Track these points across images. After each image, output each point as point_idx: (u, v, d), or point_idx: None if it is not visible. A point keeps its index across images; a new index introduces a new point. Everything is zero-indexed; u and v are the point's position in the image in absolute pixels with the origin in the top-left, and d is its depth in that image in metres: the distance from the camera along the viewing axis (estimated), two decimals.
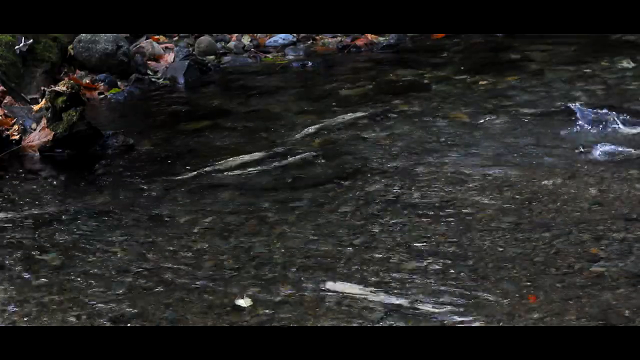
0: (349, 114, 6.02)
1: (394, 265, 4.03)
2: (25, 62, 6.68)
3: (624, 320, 3.54)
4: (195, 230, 4.47)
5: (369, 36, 7.88)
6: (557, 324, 3.54)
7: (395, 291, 3.81)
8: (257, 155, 5.39)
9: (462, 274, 3.93)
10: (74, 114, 5.58)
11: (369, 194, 4.78)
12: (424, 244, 4.21)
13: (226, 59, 7.65)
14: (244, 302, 3.78)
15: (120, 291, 3.92)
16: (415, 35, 7.89)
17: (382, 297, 3.77)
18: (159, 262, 4.16)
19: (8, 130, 5.73)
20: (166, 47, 7.61)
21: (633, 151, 5.13)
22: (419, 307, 3.70)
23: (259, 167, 5.23)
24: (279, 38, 7.93)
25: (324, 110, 6.17)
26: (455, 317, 3.62)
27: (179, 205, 4.77)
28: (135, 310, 3.76)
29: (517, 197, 4.65)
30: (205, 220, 4.56)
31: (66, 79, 6.43)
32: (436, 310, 3.67)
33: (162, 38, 7.83)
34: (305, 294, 3.83)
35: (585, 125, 5.52)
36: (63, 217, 4.68)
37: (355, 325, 3.59)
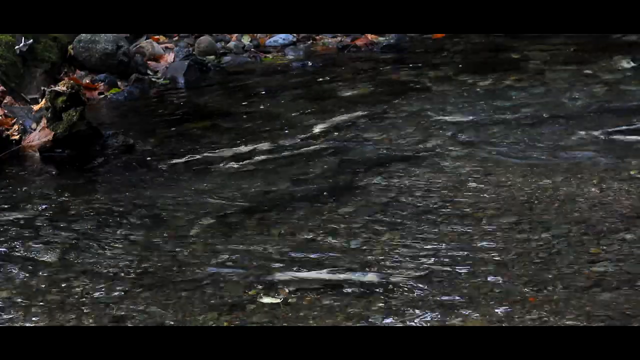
0: (348, 114, 6.02)
1: (393, 265, 4.03)
2: (25, 62, 6.68)
3: (624, 320, 3.54)
4: (196, 230, 4.47)
5: (369, 36, 7.88)
6: (557, 324, 3.54)
7: (394, 291, 3.82)
8: (256, 154, 5.40)
9: (462, 274, 3.93)
10: (74, 114, 5.58)
11: (368, 194, 4.78)
12: (424, 243, 4.21)
13: (226, 59, 7.65)
14: (273, 299, 3.79)
15: (121, 291, 3.92)
16: (415, 35, 7.89)
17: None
18: (160, 261, 4.17)
19: (8, 130, 5.73)
20: (166, 47, 7.61)
21: None
22: (417, 308, 3.71)
23: (258, 167, 5.24)
24: (279, 38, 7.93)
25: (324, 110, 6.17)
26: (456, 317, 3.62)
27: (180, 204, 4.77)
28: (136, 310, 3.76)
29: (517, 197, 4.65)
30: (206, 220, 4.57)
31: (66, 79, 6.43)
32: (437, 312, 3.67)
33: (162, 38, 7.83)
34: (307, 292, 3.83)
35: None
36: (63, 216, 4.68)
37: (355, 325, 3.59)
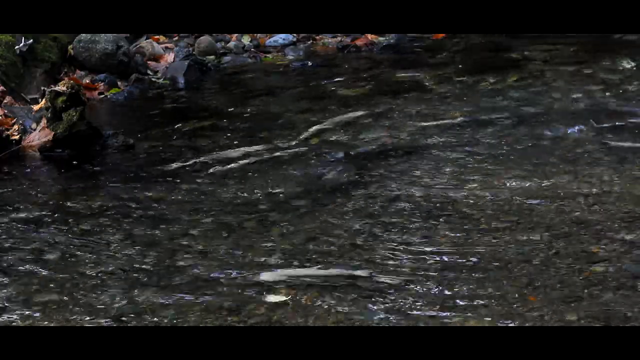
0: (348, 114, 6.02)
1: (394, 265, 4.03)
2: (25, 62, 6.67)
3: (624, 320, 3.54)
4: (196, 230, 4.47)
5: (369, 36, 7.88)
6: (557, 324, 3.54)
7: (394, 291, 3.82)
8: (256, 153, 5.40)
9: (462, 274, 3.93)
10: (74, 114, 5.58)
11: (368, 194, 4.78)
12: (424, 244, 4.21)
13: (226, 59, 7.64)
14: (275, 298, 3.79)
15: (121, 291, 3.92)
16: (415, 35, 7.89)
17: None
18: (160, 261, 4.17)
19: (8, 130, 5.73)
20: (166, 47, 7.61)
21: None
22: (417, 308, 3.71)
23: (258, 167, 5.24)
24: (279, 38, 7.93)
25: (324, 110, 6.17)
26: (455, 317, 3.62)
27: (179, 204, 4.77)
28: (136, 310, 3.76)
29: (518, 197, 4.65)
30: (206, 220, 4.57)
31: (66, 79, 6.42)
32: (437, 312, 3.67)
33: (162, 38, 7.82)
34: (307, 291, 3.83)
35: None
36: (63, 216, 4.68)
37: (355, 325, 3.60)
